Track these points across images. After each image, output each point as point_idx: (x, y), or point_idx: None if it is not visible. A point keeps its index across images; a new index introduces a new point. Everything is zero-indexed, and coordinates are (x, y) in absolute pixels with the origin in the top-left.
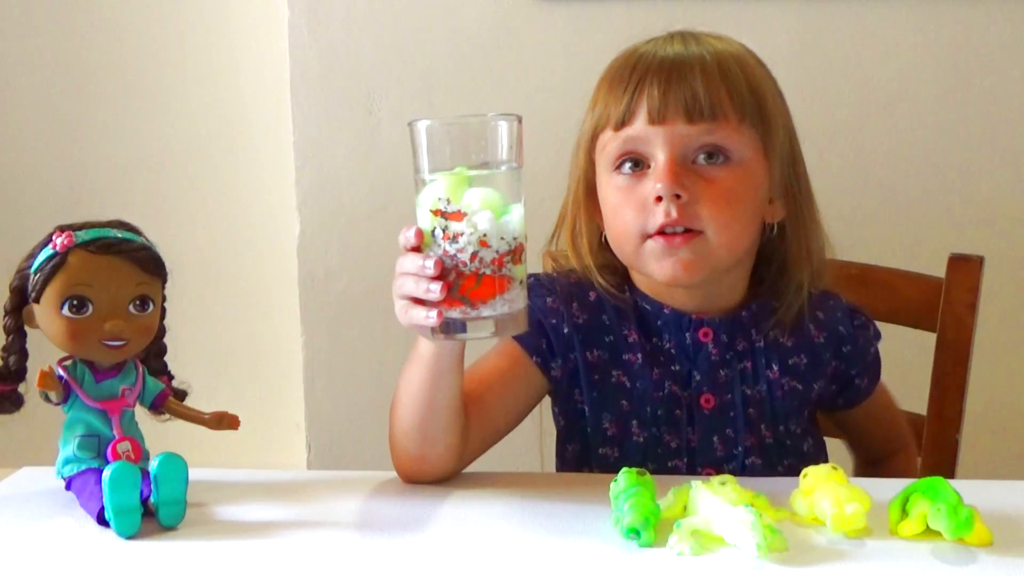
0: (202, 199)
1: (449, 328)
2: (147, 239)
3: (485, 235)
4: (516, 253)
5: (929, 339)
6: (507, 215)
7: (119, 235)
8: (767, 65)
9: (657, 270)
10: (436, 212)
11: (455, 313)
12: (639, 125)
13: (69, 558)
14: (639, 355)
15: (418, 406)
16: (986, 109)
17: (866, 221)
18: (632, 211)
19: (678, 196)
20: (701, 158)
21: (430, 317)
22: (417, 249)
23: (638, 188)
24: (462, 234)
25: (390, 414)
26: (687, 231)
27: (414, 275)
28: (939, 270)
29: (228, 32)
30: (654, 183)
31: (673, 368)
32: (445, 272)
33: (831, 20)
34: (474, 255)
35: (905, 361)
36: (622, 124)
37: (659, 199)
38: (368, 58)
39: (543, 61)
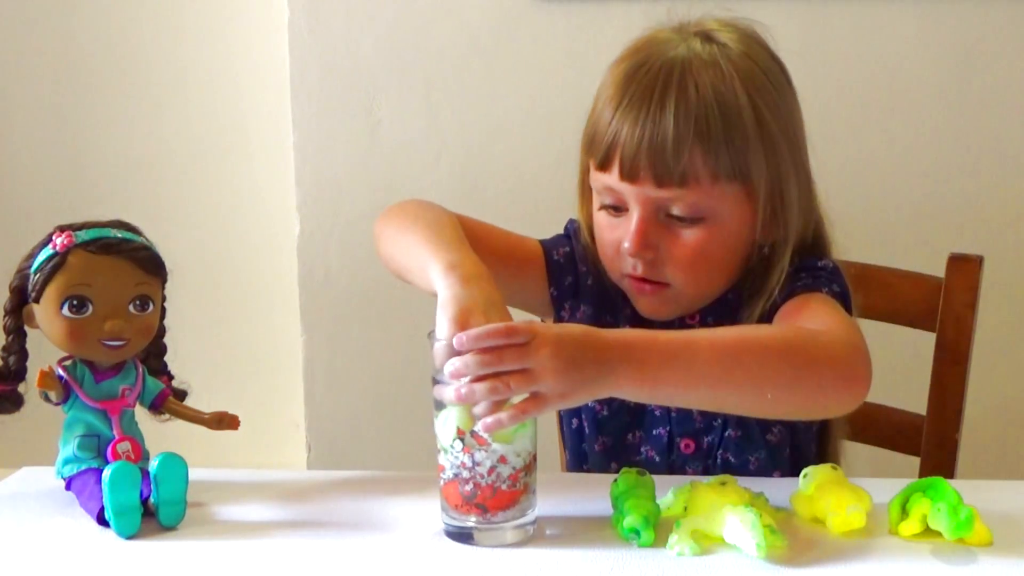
0: (202, 199)
1: (463, 536)
2: (147, 239)
3: (503, 455)
4: (529, 466)
5: (929, 339)
6: (523, 430)
7: (119, 235)
8: (777, 57)
9: (634, 303)
10: (460, 433)
11: (471, 520)
12: (614, 177)
13: (69, 558)
14: (629, 327)
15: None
16: (986, 109)
17: (866, 221)
18: (611, 250)
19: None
20: (676, 211)
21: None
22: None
23: (617, 229)
24: (482, 451)
25: (381, 238)
26: (655, 281)
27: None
28: (939, 270)
29: (228, 32)
30: (626, 233)
31: None
32: (462, 482)
33: (831, 20)
34: (491, 469)
35: (905, 361)
36: (601, 167)
37: None
38: (368, 58)
39: (543, 61)
